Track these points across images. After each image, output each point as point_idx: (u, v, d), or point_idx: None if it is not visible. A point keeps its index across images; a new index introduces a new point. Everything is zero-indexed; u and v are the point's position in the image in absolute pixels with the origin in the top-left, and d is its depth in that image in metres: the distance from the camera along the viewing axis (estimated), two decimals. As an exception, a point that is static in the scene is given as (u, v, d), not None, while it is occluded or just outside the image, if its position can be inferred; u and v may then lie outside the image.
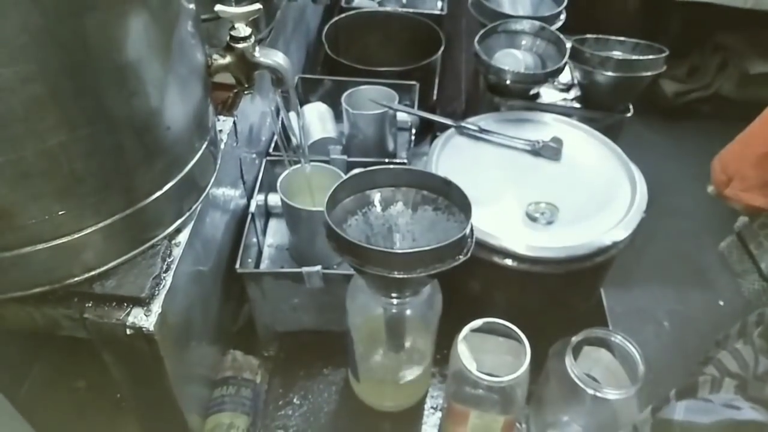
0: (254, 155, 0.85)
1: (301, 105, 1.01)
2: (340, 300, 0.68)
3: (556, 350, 0.64)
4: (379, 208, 0.64)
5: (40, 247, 0.48)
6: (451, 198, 0.61)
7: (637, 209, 0.73)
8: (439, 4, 1.31)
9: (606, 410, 0.61)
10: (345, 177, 0.62)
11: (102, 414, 0.77)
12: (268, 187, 0.87)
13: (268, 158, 0.87)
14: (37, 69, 0.40)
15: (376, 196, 0.63)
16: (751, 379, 0.56)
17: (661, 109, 1.60)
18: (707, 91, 1.66)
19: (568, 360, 0.60)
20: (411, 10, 1.24)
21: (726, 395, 0.55)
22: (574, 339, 0.61)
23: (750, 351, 0.60)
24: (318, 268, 0.71)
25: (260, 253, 0.85)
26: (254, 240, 0.82)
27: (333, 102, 1.01)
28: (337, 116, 1.01)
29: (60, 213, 0.47)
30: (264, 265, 0.84)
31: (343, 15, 1.20)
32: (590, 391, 0.59)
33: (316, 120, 0.98)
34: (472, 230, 0.59)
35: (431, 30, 1.16)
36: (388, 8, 1.29)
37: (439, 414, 0.77)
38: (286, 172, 0.80)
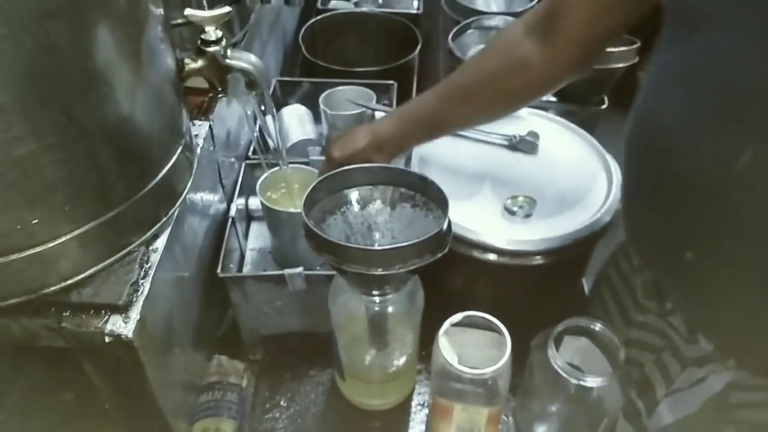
0: (233, 159, 0.85)
1: (280, 107, 1.01)
2: (323, 301, 0.68)
3: (538, 343, 0.64)
4: (357, 207, 0.64)
5: (14, 257, 0.47)
6: (428, 194, 0.62)
7: (614, 199, 0.74)
8: (415, 3, 1.32)
9: (590, 397, 0.61)
10: (322, 177, 0.62)
11: (89, 425, 0.76)
12: (249, 190, 0.87)
13: (247, 162, 0.87)
14: (1, 77, 0.40)
15: (354, 195, 0.63)
16: (680, 343, 0.57)
17: (639, 101, 1.62)
18: (684, 81, 1.67)
19: (551, 351, 0.60)
20: (387, 10, 1.25)
21: (683, 375, 0.56)
22: (555, 330, 0.62)
23: (653, 318, 0.61)
24: (300, 269, 0.71)
25: (242, 257, 0.85)
26: (236, 244, 0.82)
27: (312, 104, 1.01)
28: (316, 117, 1.01)
29: (33, 222, 0.47)
30: (247, 270, 0.84)
31: (319, 17, 1.20)
32: (574, 381, 0.59)
33: (295, 122, 0.98)
34: (449, 225, 0.59)
35: (408, 29, 1.17)
36: (365, 9, 1.30)
37: (426, 411, 0.77)
38: (264, 174, 0.80)
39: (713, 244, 0.48)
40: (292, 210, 0.76)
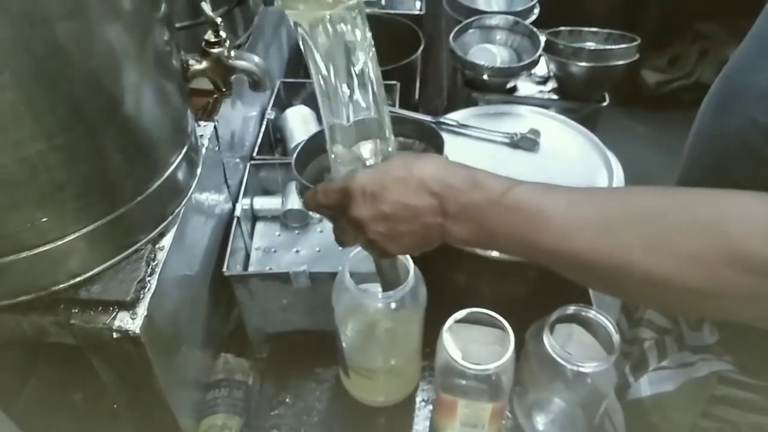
0: (238, 159, 0.86)
1: (284, 109, 1.02)
2: (327, 299, 0.69)
3: (533, 332, 0.65)
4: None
5: (23, 255, 0.48)
6: (425, 139, 0.60)
7: (615, 195, 0.75)
8: (418, 3, 1.33)
9: (586, 383, 0.62)
10: (313, 132, 0.61)
11: (99, 424, 0.77)
12: (254, 190, 0.88)
13: (252, 162, 0.88)
14: (10, 79, 0.41)
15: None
16: (685, 330, 0.57)
17: (643, 99, 1.62)
18: (689, 79, 1.68)
19: (547, 339, 0.61)
20: (390, 11, 1.26)
21: (676, 356, 0.56)
22: (550, 318, 0.63)
23: None
24: (304, 267, 0.72)
25: (248, 256, 0.86)
26: (241, 244, 0.83)
27: (316, 105, 1.01)
28: (320, 119, 1.02)
29: (42, 220, 0.48)
30: (252, 269, 0.85)
31: (322, 19, 1.21)
32: (570, 367, 0.60)
33: (299, 123, 0.99)
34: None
35: (411, 30, 1.18)
36: (367, 10, 1.30)
37: (430, 407, 0.78)
38: None
39: None
40: None
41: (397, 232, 0.45)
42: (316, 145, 0.58)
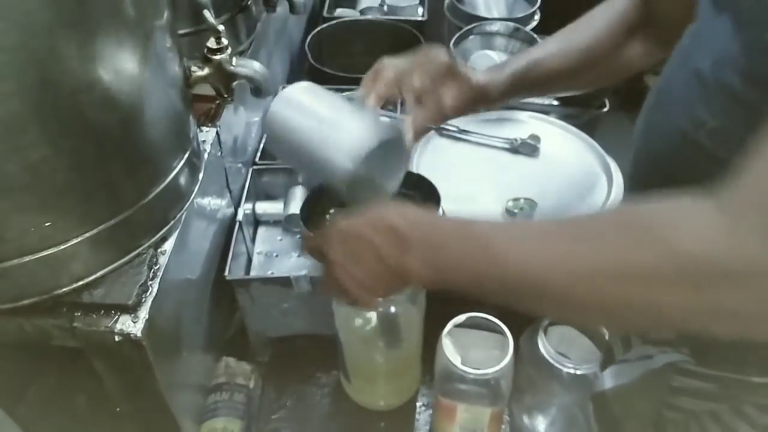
0: (240, 165, 0.87)
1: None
2: (328, 303, 0.70)
3: (527, 336, 0.65)
4: None
5: (27, 258, 0.49)
6: (424, 192, 0.62)
7: (615, 201, 0.75)
8: (420, 10, 1.33)
9: (582, 384, 0.62)
10: (318, 185, 0.63)
11: (102, 427, 0.77)
12: (256, 195, 0.88)
13: (254, 167, 0.88)
14: (15, 86, 0.41)
15: None
16: None
17: (645, 104, 1.62)
18: (690, 85, 1.68)
19: (541, 343, 0.62)
20: (392, 18, 1.27)
21: (637, 349, 0.57)
22: (543, 322, 0.63)
23: None
24: (305, 272, 0.72)
25: (249, 260, 0.87)
26: (243, 248, 0.84)
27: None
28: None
29: (46, 225, 0.49)
30: (253, 273, 0.85)
31: (325, 25, 1.22)
32: (565, 369, 0.61)
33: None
34: None
35: (413, 36, 1.18)
36: (370, 16, 1.31)
37: (430, 411, 0.78)
38: None
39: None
40: None
41: (362, 271, 0.47)
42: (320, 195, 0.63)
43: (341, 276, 0.47)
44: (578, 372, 0.60)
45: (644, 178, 0.55)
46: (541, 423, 0.72)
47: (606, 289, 0.37)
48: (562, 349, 0.64)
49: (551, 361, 0.61)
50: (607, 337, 0.61)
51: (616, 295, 0.37)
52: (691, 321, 0.37)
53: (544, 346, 0.61)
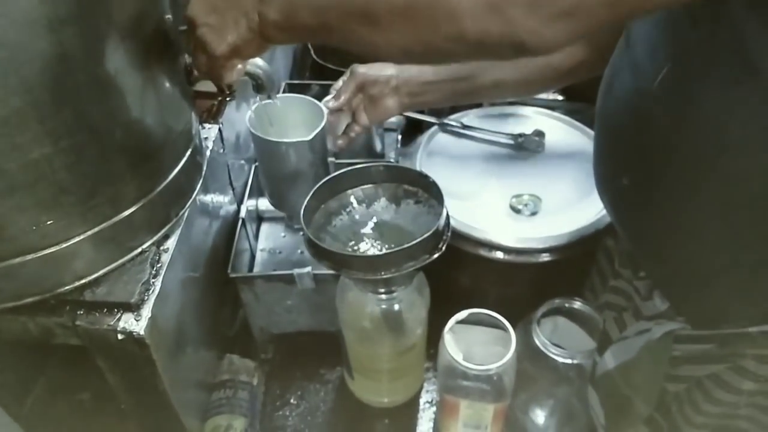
0: (242, 161, 0.87)
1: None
2: (331, 300, 0.70)
3: (521, 329, 0.65)
4: (363, 206, 0.65)
5: (30, 257, 0.49)
6: (428, 190, 0.62)
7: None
8: (423, 5, 1.32)
9: (579, 373, 0.62)
10: (323, 180, 0.63)
11: (105, 425, 0.78)
12: (259, 192, 0.88)
13: (257, 164, 0.88)
14: (16, 84, 0.41)
15: (359, 194, 0.65)
16: (639, 302, 0.59)
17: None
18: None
19: (536, 335, 0.62)
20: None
21: (633, 326, 0.58)
22: (537, 314, 0.63)
23: (624, 283, 0.62)
24: (309, 269, 0.72)
25: (253, 257, 0.87)
26: (246, 245, 0.83)
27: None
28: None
29: (48, 223, 0.49)
30: (257, 270, 0.85)
31: (328, 20, 1.21)
32: (561, 359, 0.61)
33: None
34: (447, 223, 0.60)
35: (415, 31, 1.17)
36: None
37: (434, 408, 0.78)
38: (254, 106, 0.72)
39: (645, 168, 0.49)
40: (292, 139, 0.68)
41: (221, 23, 0.50)
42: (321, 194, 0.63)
43: (202, 34, 0.50)
44: (574, 361, 0.60)
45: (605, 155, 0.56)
46: (539, 416, 0.72)
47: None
48: (555, 340, 0.64)
49: (546, 352, 0.61)
50: (601, 325, 0.61)
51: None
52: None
53: (538, 337, 0.61)
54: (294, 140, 0.69)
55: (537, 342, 0.62)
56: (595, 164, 0.59)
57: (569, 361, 0.61)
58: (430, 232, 0.55)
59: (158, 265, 0.57)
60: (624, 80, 0.50)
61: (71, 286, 0.53)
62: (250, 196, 0.84)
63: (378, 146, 0.97)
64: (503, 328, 0.63)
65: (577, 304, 0.64)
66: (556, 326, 0.65)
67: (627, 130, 0.51)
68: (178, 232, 0.61)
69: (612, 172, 0.55)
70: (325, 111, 0.72)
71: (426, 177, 0.61)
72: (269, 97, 0.66)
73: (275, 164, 0.73)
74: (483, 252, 0.72)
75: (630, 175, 0.51)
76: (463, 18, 0.39)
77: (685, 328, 0.53)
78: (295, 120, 0.74)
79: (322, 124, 0.70)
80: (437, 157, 0.82)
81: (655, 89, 0.45)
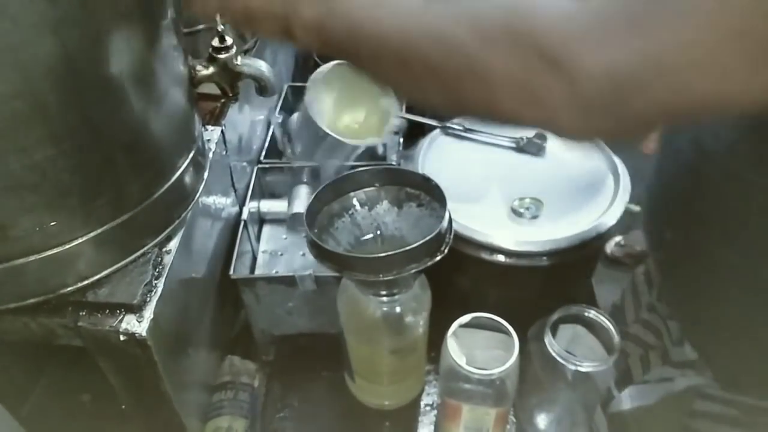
0: (245, 163, 0.87)
1: (292, 112, 1.03)
2: (333, 302, 0.70)
3: (534, 332, 0.65)
4: (365, 208, 0.65)
5: (32, 258, 0.49)
6: (431, 193, 0.62)
7: (621, 200, 0.74)
8: (426, 8, 1.33)
9: (587, 383, 0.62)
10: (326, 183, 0.63)
11: (107, 426, 0.78)
12: (261, 194, 0.88)
13: (260, 166, 0.88)
14: (19, 85, 0.41)
15: (361, 196, 0.65)
16: (669, 346, 0.58)
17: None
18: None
19: (548, 339, 0.61)
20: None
21: (657, 370, 0.57)
22: (551, 318, 0.63)
23: (657, 318, 0.61)
24: (310, 271, 0.72)
25: (254, 259, 0.87)
26: (248, 247, 0.84)
27: (322, 108, 1.02)
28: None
29: (51, 224, 0.49)
30: (258, 272, 0.85)
31: (330, 23, 1.21)
32: (571, 367, 0.60)
33: (306, 127, 1.00)
34: (449, 226, 0.60)
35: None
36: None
37: (435, 411, 0.78)
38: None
39: (689, 223, 0.49)
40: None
41: None
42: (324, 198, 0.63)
43: None
44: (583, 369, 0.60)
45: (661, 209, 0.55)
46: (543, 421, 0.72)
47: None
48: (573, 349, 0.64)
49: (557, 357, 0.61)
50: (616, 339, 0.61)
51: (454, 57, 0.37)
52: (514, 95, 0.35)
53: (550, 342, 0.61)
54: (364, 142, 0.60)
55: (548, 347, 0.61)
56: (646, 198, 0.57)
57: (578, 369, 0.60)
58: (433, 234, 0.55)
59: (160, 267, 0.58)
60: (685, 139, 0.48)
61: (74, 287, 0.53)
62: (252, 198, 0.84)
63: (380, 149, 0.97)
64: (506, 332, 0.63)
65: (592, 314, 0.63)
66: (575, 335, 0.65)
67: (683, 187, 0.49)
68: (180, 234, 0.61)
69: (660, 220, 0.53)
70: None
71: (428, 180, 0.61)
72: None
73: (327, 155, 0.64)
74: (484, 255, 0.72)
75: (674, 231, 0.50)
76: (495, 91, 0.35)
77: (711, 386, 0.52)
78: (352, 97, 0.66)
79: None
80: (439, 160, 0.82)
81: (723, 155, 0.42)
